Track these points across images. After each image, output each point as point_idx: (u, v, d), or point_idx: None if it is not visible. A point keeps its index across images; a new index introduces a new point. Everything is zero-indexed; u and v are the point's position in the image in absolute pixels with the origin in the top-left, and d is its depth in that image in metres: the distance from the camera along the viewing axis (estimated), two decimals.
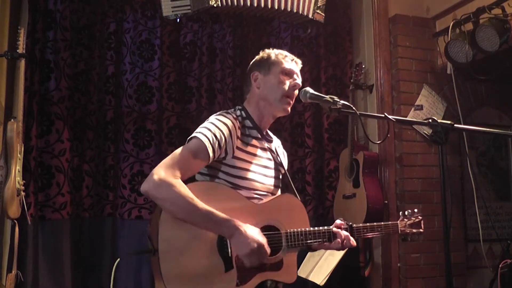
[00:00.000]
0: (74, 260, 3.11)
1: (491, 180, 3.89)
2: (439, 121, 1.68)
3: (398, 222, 2.10)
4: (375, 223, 2.04)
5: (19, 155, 2.76)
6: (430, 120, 1.70)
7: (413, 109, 3.50)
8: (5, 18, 3.05)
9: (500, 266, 2.96)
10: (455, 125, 1.68)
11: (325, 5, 3.39)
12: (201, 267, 1.69)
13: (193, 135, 1.79)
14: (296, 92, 1.94)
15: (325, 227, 1.89)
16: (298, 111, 3.68)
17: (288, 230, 1.81)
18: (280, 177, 2.01)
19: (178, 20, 3.46)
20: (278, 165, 2.00)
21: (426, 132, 3.45)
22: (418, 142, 3.49)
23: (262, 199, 1.87)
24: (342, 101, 1.78)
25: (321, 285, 2.79)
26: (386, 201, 3.38)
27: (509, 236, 3.60)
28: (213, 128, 1.78)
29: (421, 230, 2.12)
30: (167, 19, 3.26)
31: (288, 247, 1.80)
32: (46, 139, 3.14)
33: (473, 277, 3.57)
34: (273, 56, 1.95)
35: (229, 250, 1.72)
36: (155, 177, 1.66)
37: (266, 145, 1.98)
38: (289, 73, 1.93)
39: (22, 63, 2.86)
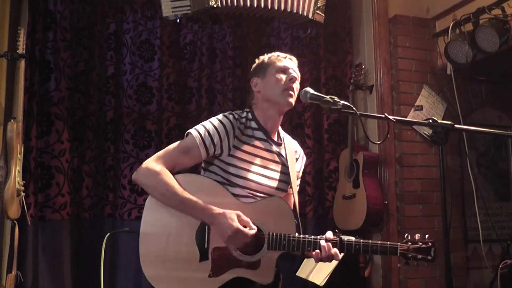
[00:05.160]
0: (74, 261, 3.11)
1: (491, 180, 3.89)
2: (439, 121, 1.68)
3: (399, 244, 1.87)
4: (370, 241, 1.85)
5: (19, 155, 2.76)
6: (430, 121, 1.69)
7: (413, 109, 3.49)
8: (5, 18, 3.05)
9: (500, 266, 2.95)
10: (455, 125, 1.68)
11: (325, 5, 3.39)
12: (177, 254, 1.79)
13: (189, 130, 1.89)
14: (296, 86, 1.96)
15: (313, 236, 1.84)
16: (298, 111, 3.68)
17: (271, 232, 1.82)
18: (289, 182, 1.99)
19: (178, 20, 3.46)
20: (286, 169, 1.99)
21: (426, 133, 3.45)
22: (418, 143, 3.49)
23: (258, 199, 1.89)
24: (342, 102, 1.79)
25: (321, 285, 2.79)
26: (386, 202, 3.38)
27: (509, 237, 3.59)
28: (208, 125, 1.88)
29: (429, 257, 1.85)
30: (167, 19, 3.25)
31: (269, 249, 1.81)
32: (46, 140, 3.14)
33: (473, 277, 3.57)
34: (266, 59, 2.01)
35: (206, 242, 1.79)
36: (144, 166, 1.83)
37: (274, 148, 1.98)
38: (284, 70, 1.96)
39: (22, 64, 2.86)
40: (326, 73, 3.73)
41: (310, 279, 2.90)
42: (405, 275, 3.32)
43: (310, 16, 3.34)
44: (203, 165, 1.97)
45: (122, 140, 3.33)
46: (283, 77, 1.94)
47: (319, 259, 1.84)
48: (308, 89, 1.87)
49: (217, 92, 3.55)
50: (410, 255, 1.85)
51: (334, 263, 2.79)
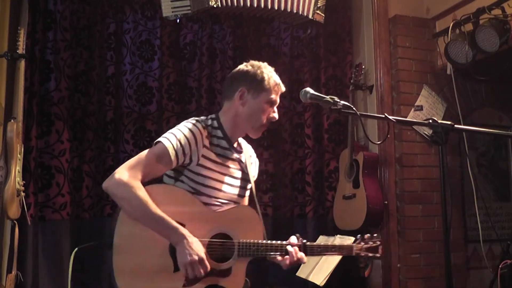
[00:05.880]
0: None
1: (491, 180, 3.88)
2: (439, 121, 1.68)
3: (354, 244, 2.07)
4: (329, 243, 2.09)
5: (19, 155, 2.76)
6: (430, 121, 1.69)
7: (413, 109, 3.49)
8: (5, 18, 3.05)
9: (500, 266, 2.95)
10: (455, 125, 1.68)
11: (325, 5, 3.39)
12: (152, 265, 1.78)
13: (159, 139, 1.86)
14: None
15: (279, 242, 1.92)
16: (298, 111, 3.68)
17: (241, 240, 1.85)
18: (248, 187, 2.05)
19: (178, 20, 3.46)
20: (246, 175, 2.04)
21: (426, 133, 3.45)
22: (418, 143, 3.49)
23: (222, 207, 1.92)
24: (342, 102, 1.79)
25: (321, 285, 2.78)
26: (386, 202, 3.37)
27: (509, 237, 3.59)
28: (179, 135, 1.85)
29: (377, 255, 2.08)
30: (167, 19, 3.26)
31: (239, 256, 1.85)
32: (46, 140, 3.14)
33: (473, 277, 3.57)
34: (265, 81, 1.97)
35: None
36: (117, 176, 1.78)
37: (235, 155, 2.02)
38: (272, 104, 1.99)
39: (22, 64, 2.86)
40: (326, 73, 3.73)
41: (310, 279, 2.90)
42: (405, 275, 3.32)
43: (310, 16, 3.34)
44: (170, 174, 1.94)
45: (122, 140, 3.33)
46: (269, 110, 1.98)
47: (287, 265, 1.92)
48: (308, 89, 1.87)
49: (217, 92, 3.55)
50: (363, 254, 2.06)
51: (334, 263, 2.80)
